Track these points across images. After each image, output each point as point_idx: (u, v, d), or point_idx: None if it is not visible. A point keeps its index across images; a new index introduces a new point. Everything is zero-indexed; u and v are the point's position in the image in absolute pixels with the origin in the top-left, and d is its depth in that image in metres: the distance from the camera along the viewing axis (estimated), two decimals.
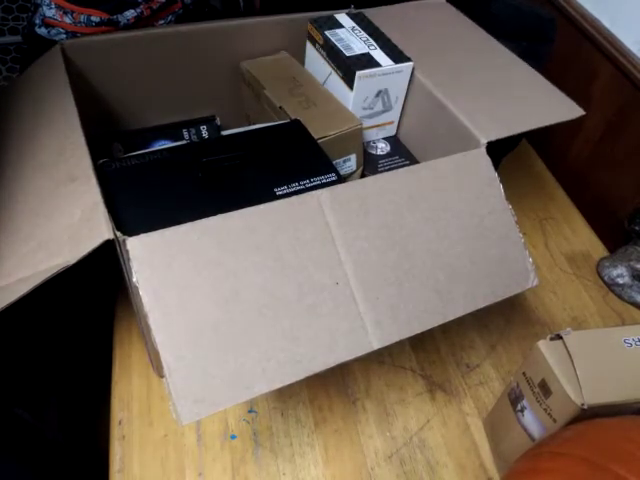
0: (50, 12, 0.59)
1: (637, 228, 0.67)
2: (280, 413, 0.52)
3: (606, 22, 0.76)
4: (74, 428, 0.69)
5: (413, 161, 0.61)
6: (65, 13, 0.59)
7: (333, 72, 0.58)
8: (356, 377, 0.55)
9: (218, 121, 0.58)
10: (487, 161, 0.47)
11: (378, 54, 0.56)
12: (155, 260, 0.36)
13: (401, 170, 0.45)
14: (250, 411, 0.52)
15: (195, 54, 0.58)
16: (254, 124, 0.59)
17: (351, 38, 0.57)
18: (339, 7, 0.62)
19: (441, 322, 0.42)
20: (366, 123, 0.59)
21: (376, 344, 0.39)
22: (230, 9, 0.78)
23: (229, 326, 0.36)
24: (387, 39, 0.58)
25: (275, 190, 0.44)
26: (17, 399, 0.63)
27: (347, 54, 0.55)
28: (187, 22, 0.58)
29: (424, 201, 0.44)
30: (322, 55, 0.59)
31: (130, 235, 0.36)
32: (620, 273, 0.65)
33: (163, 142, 0.56)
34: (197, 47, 0.58)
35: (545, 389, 0.39)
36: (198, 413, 0.34)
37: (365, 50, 0.56)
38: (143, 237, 0.36)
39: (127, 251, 0.36)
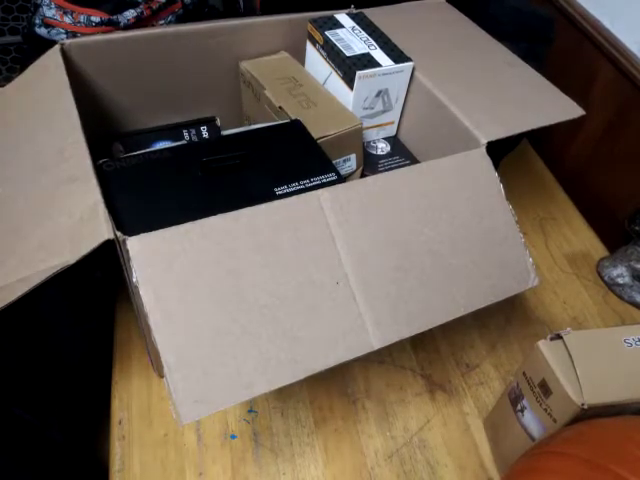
0: (50, 12, 0.59)
1: (637, 228, 0.67)
2: (280, 413, 0.52)
3: (606, 22, 0.76)
4: (74, 428, 0.69)
5: (413, 161, 0.61)
6: (65, 13, 0.59)
7: (333, 72, 0.58)
8: (356, 377, 0.55)
9: (218, 122, 0.58)
10: (487, 161, 0.47)
11: (378, 54, 0.56)
12: (155, 260, 0.36)
13: (401, 170, 0.45)
14: (250, 411, 0.52)
15: (195, 54, 0.58)
16: (254, 124, 0.59)
17: (351, 38, 0.57)
18: (339, 7, 0.62)
19: (441, 322, 0.42)
20: (366, 123, 0.59)
21: (376, 344, 0.39)
22: (230, 9, 0.78)
23: (229, 326, 0.36)
24: (387, 39, 0.58)
25: (275, 190, 0.44)
26: (17, 399, 0.63)
27: (347, 54, 0.55)
28: (187, 22, 0.58)
29: (424, 201, 0.44)
30: (322, 55, 0.59)
31: (130, 235, 0.36)
32: (620, 273, 0.65)
33: (163, 143, 0.56)
34: (197, 47, 0.58)
35: (545, 389, 0.39)
36: (198, 413, 0.34)
37: (365, 50, 0.56)
38: (143, 237, 0.36)
39: (127, 251, 0.36)
